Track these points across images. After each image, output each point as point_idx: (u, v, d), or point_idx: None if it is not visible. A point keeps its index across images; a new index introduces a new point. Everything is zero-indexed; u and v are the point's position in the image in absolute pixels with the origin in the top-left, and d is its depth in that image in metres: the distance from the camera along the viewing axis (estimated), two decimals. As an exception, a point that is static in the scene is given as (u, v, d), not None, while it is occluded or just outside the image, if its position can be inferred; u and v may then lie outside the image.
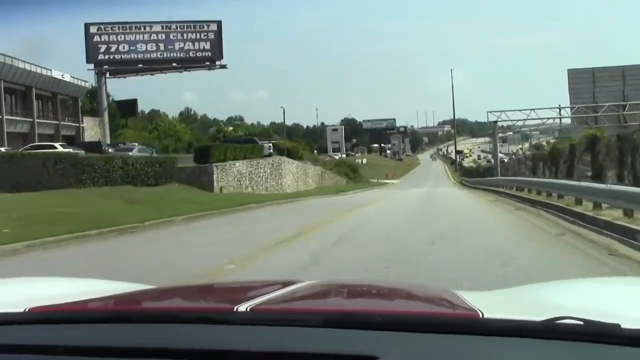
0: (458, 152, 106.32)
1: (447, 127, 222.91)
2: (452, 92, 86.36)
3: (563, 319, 1.14)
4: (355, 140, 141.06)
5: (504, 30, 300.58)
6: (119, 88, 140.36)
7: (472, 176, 58.54)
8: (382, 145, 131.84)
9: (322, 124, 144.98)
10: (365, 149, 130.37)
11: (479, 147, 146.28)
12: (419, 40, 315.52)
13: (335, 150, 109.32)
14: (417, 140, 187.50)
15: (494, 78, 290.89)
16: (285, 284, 1.73)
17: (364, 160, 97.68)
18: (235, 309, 1.28)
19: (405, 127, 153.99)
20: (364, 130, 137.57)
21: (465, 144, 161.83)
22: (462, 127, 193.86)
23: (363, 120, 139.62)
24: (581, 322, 1.12)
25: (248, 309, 1.28)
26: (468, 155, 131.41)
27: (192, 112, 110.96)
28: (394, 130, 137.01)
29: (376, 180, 64.70)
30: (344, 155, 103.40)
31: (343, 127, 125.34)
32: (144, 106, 78.61)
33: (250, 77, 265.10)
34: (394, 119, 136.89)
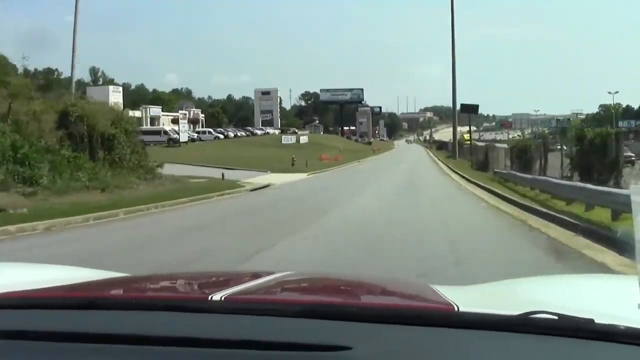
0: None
1: (429, 114, 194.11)
2: (453, 67, 50.85)
3: (538, 314, 1.14)
4: (316, 118, 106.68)
5: (492, 19, 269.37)
6: None
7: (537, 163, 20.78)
8: (346, 127, 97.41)
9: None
10: (321, 127, 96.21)
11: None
12: (401, 28, 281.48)
13: (266, 123, 73.83)
14: (396, 125, 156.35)
15: (477, 67, 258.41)
16: (262, 275, 1.69)
17: (303, 139, 62.94)
18: (209, 298, 1.29)
19: (380, 108, 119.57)
20: (322, 103, 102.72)
21: (448, 132, 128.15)
22: (445, 114, 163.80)
23: (321, 90, 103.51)
24: (555, 317, 1.13)
25: (223, 298, 1.28)
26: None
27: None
28: (362, 106, 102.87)
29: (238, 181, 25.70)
30: (277, 132, 69.10)
31: (277, 89, 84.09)
32: None
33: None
34: (362, 89, 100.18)
